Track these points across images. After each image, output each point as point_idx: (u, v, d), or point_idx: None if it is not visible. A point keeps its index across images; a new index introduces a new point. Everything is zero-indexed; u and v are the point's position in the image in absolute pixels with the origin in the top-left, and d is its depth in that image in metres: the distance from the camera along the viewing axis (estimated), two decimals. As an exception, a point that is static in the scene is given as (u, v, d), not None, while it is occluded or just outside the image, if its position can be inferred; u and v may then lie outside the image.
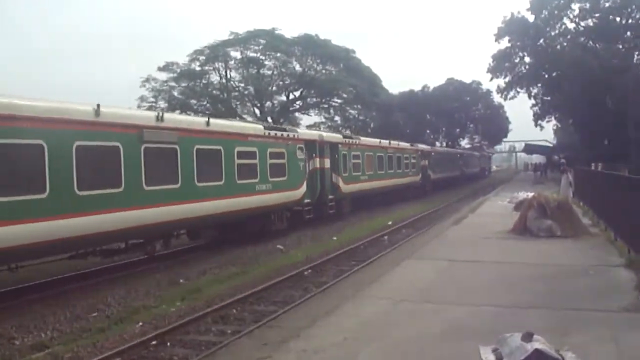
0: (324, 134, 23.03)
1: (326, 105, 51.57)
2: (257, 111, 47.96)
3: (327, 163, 21.14)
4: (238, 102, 48.42)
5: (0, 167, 8.95)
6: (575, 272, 9.41)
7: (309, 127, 42.86)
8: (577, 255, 11.06)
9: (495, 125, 64.68)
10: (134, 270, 12.64)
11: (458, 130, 66.32)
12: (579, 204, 19.90)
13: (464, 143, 70.76)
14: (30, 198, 9.24)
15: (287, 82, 47.86)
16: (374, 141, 27.73)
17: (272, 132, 17.33)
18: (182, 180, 12.75)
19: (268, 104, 48.61)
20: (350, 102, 51.01)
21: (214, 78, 46.40)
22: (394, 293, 8.34)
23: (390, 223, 20.80)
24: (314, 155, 20.09)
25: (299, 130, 20.64)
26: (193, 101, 46.04)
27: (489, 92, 60.00)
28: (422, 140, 47.87)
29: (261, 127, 17.30)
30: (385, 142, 28.49)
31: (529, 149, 74.40)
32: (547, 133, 70.32)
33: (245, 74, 46.06)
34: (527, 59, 45.18)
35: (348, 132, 45.66)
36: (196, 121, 14.53)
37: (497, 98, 56.52)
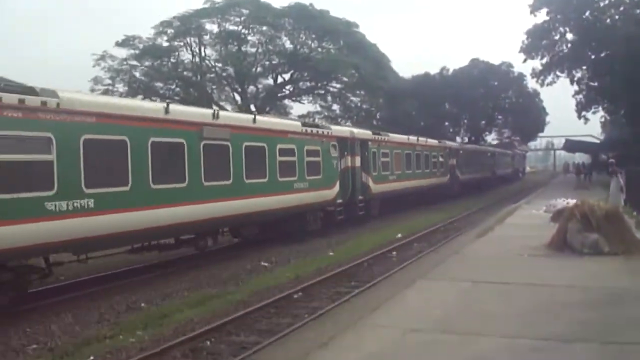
0: (355, 130, 25.55)
1: (322, 91, 51.55)
2: (237, 97, 47.89)
3: (358, 161, 23.65)
4: (214, 86, 48.39)
5: (99, 161, 11.44)
6: (628, 298, 9.40)
7: (300, 117, 42.88)
8: (630, 276, 11.06)
9: (529, 117, 64.25)
10: (82, 292, 12.60)
11: (483, 122, 66.43)
12: (632, 213, 19.96)
13: (491, 138, 71.02)
14: (118, 190, 11.91)
15: (274, 62, 47.87)
16: (403, 138, 30.55)
17: (309, 129, 20.35)
18: (234, 177, 15.68)
19: (251, 88, 48.66)
20: (351, 87, 51.01)
21: (185, 56, 46.53)
22: (404, 321, 8.31)
23: (399, 236, 20.98)
24: (345, 153, 22.72)
25: (332, 127, 23.37)
26: (159, 84, 46.03)
27: (521, 76, 60.41)
28: (439, 134, 48.07)
29: (299, 123, 20.52)
30: (413, 139, 31.71)
31: (571, 146, 74.84)
32: (592, 127, 70.70)
33: (223, 52, 45.93)
34: (569, 36, 45.46)
35: (349, 123, 45.90)
36: (244, 118, 17.78)
37: (531, 83, 57.10)
